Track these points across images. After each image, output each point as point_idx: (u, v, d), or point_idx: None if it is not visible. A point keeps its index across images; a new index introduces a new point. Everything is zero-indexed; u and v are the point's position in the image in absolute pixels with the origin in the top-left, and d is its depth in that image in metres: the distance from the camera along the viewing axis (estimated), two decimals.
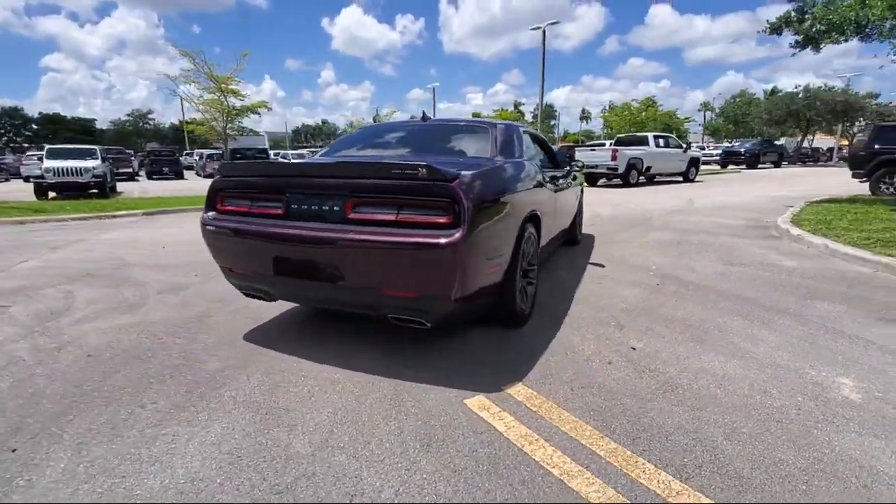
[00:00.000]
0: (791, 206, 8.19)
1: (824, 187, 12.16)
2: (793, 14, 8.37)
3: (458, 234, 1.99)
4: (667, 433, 1.79)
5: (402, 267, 2.11)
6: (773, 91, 41.68)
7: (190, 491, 1.49)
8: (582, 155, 15.87)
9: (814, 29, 8.02)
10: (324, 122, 61.47)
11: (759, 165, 25.90)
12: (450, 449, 1.70)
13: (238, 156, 16.69)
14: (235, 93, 11.18)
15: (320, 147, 42.97)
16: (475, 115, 73.67)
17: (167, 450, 1.70)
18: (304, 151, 31.42)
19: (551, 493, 1.48)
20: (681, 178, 16.99)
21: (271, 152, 26.13)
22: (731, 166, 26.41)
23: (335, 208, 2.25)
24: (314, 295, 2.50)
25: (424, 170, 2.02)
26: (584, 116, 73.66)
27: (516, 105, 66.38)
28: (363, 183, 2.20)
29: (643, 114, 21.65)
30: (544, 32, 20.85)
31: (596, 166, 15.10)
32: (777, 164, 27.15)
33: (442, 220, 2.05)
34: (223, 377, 2.27)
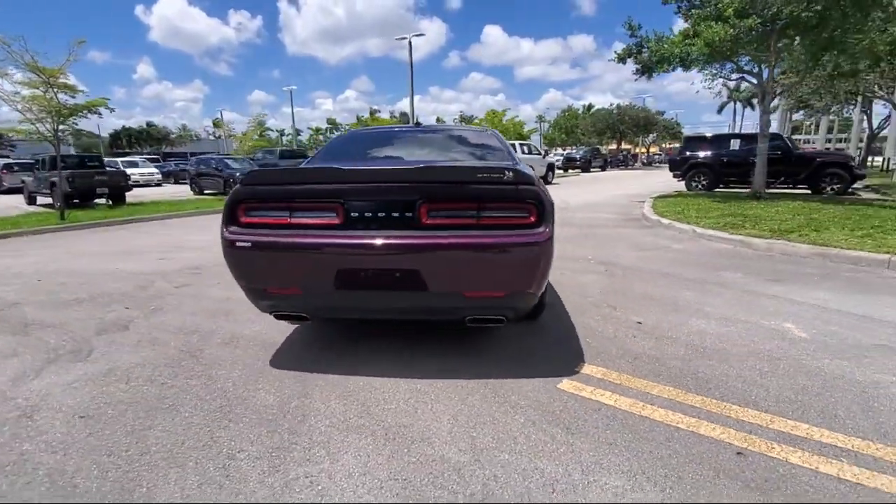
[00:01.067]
0: (642, 202, 10.10)
1: (652, 185, 15.19)
2: (634, 48, 10.33)
3: (546, 231, 2.15)
4: (721, 380, 2.22)
5: (493, 267, 2.16)
6: (590, 107, 50.45)
7: None
8: None
9: (650, 60, 10.04)
10: (150, 124, 52.56)
11: (591, 169, 30.83)
12: (589, 427, 1.85)
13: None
14: (70, 88, 9.04)
15: (150, 154, 36.72)
16: (331, 121, 71.46)
17: (316, 494, 1.50)
18: (137, 159, 26.50)
19: (690, 442, 1.75)
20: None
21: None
22: (569, 170, 30.89)
23: (408, 214, 2.18)
24: (385, 305, 2.36)
25: (511, 173, 2.13)
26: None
27: (372, 113, 66.91)
28: (441, 187, 2.19)
29: (505, 121, 24.12)
30: (410, 43, 21.57)
31: None
32: (603, 168, 32.68)
33: (528, 219, 2.17)
34: (295, 409, 2.02)
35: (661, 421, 1.89)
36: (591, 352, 2.57)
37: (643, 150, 44.68)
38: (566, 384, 2.20)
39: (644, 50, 10.22)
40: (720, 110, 62.68)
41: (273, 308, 2.38)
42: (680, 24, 10.42)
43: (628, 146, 48.13)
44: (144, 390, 2.19)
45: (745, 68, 10.04)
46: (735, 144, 12.69)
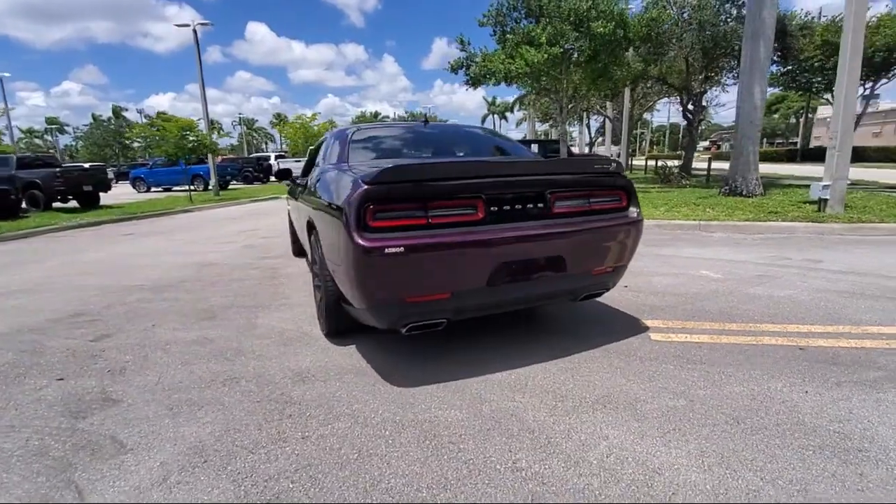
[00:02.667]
0: None
1: None
2: (464, 61, 11.60)
3: (639, 212, 2.57)
4: (720, 310, 3.06)
5: (611, 246, 2.46)
6: (377, 114, 53.04)
7: None
8: (286, 166, 15.79)
9: (478, 73, 11.46)
10: None
11: None
12: (713, 360, 2.37)
13: None
14: None
15: None
16: (52, 119, 55.65)
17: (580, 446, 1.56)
18: None
19: (756, 348, 2.45)
20: None
21: None
22: None
23: (540, 205, 2.29)
24: (529, 293, 2.35)
25: (614, 164, 2.47)
26: (215, 128, 68.75)
27: (115, 112, 54.79)
28: (567, 178, 2.37)
29: (316, 127, 23.06)
30: (195, 31, 18.59)
31: None
32: None
33: (622, 203, 2.55)
34: (426, 419, 1.91)
35: (740, 342, 2.56)
36: (640, 313, 3.11)
37: None
38: (658, 337, 2.68)
39: (472, 64, 11.60)
40: (483, 121, 74.52)
41: (406, 319, 2.13)
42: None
43: None
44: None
45: (546, 87, 12.49)
46: (534, 148, 15.55)
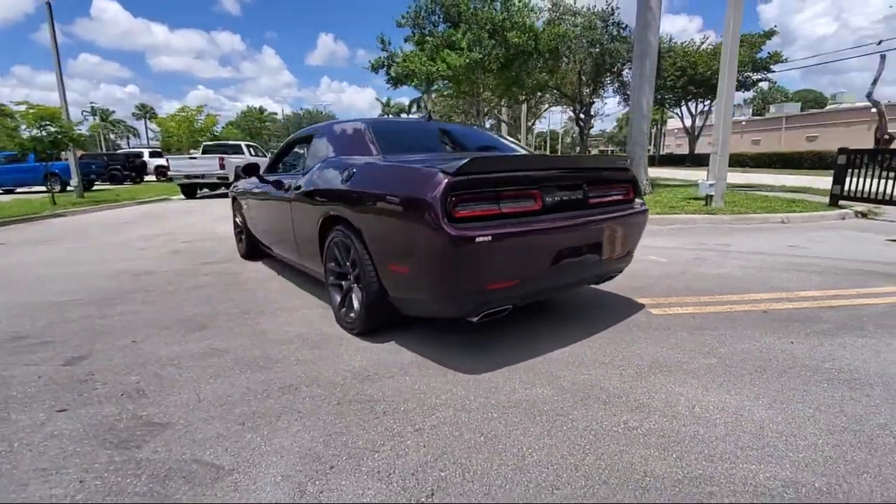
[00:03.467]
0: None
1: None
2: (384, 60, 11.52)
3: (643, 202, 2.93)
4: (687, 287, 3.62)
5: (630, 233, 2.77)
6: (262, 110, 50.00)
7: None
8: (181, 164, 14.10)
9: (399, 74, 11.47)
10: None
11: None
12: (711, 325, 2.81)
13: None
14: None
15: None
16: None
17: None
18: None
19: (731, 315, 2.99)
20: None
21: None
22: None
23: (579, 196, 2.51)
24: (573, 278, 2.52)
25: (628, 160, 2.80)
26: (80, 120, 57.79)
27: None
28: (599, 173, 2.62)
29: (201, 122, 20.57)
30: (49, 5, 15.55)
31: (201, 176, 13.88)
32: None
33: (630, 195, 2.89)
34: (520, 398, 2.07)
35: (716, 311, 3.07)
36: (635, 293, 3.52)
37: None
38: (656, 312, 3.09)
39: (393, 64, 11.59)
40: None
41: (484, 307, 2.18)
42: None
43: None
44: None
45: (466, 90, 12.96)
46: None
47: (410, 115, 59.40)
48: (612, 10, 12.83)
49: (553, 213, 2.35)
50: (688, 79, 28.82)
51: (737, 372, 2.20)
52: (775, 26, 18.65)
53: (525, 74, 11.88)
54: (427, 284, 2.17)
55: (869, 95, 22.84)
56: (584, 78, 16.49)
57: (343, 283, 2.84)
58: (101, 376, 2.27)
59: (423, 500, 1.41)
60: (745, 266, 4.29)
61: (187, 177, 13.96)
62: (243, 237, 4.94)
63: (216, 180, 13.99)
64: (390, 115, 72.54)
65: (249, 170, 4.27)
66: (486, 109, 17.64)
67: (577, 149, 27.93)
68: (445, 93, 13.75)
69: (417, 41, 12.10)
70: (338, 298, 2.88)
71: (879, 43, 23.11)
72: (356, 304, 2.66)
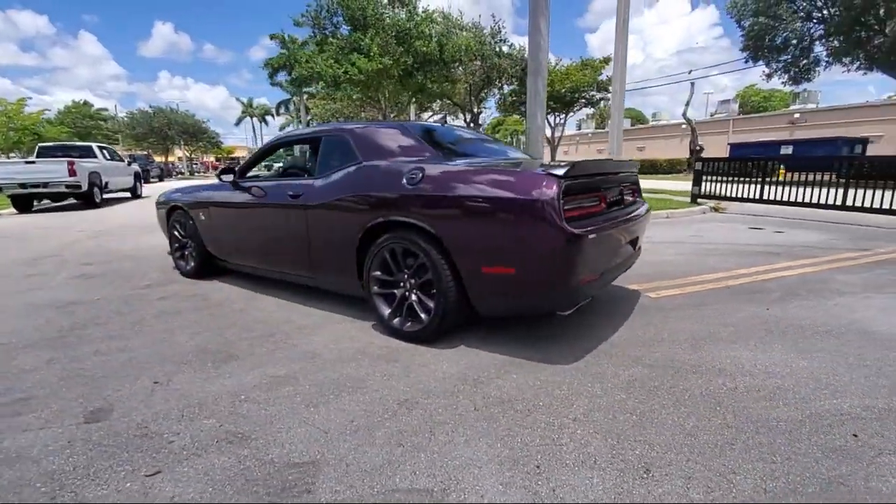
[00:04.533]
0: None
1: None
2: (286, 59, 10.77)
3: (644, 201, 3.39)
4: (673, 272, 4.24)
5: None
6: (85, 103, 42.18)
7: None
8: (13, 170, 11.22)
9: (306, 75, 10.85)
10: None
11: (151, 179, 26.61)
12: (704, 302, 3.37)
13: None
14: None
15: None
16: None
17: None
18: None
19: (714, 291, 3.64)
20: (129, 195, 15.56)
21: None
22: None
23: (618, 196, 2.84)
24: (621, 270, 2.78)
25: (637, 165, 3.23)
26: None
27: None
28: (628, 176, 2.97)
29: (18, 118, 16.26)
30: None
31: (45, 184, 11.19)
32: (161, 178, 28.87)
33: (636, 195, 3.32)
34: (629, 378, 2.34)
35: (692, 292, 3.69)
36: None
37: (177, 158, 41.83)
38: (653, 296, 3.57)
39: (295, 64, 10.92)
40: (238, 123, 67.95)
41: (579, 300, 2.34)
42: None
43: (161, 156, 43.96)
44: None
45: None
46: None
47: (272, 117, 55.61)
48: (500, 28, 13.92)
49: (610, 211, 2.62)
50: (546, 94, 32.57)
51: (757, 335, 2.72)
52: (610, 55, 22.50)
53: (429, 82, 12.23)
54: (537, 282, 2.24)
55: (684, 114, 28.38)
56: (472, 89, 17.52)
57: (395, 291, 2.73)
58: (159, 426, 1.85)
59: (643, 472, 1.52)
60: (678, 253, 5.15)
61: (23, 185, 11.16)
62: (190, 253, 4.27)
63: (64, 189, 11.46)
64: (250, 117, 66.99)
65: (229, 172, 3.73)
66: (392, 115, 17.59)
67: None
68: (341, 97, 13.34)
69: (318, 42, 11.58)
70: (386, 309, 2.76)
71: (690, 72, 28.85)
72: (421, 313, 2.59)
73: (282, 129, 74.85)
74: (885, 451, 1.64)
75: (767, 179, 9.09)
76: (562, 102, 34.65)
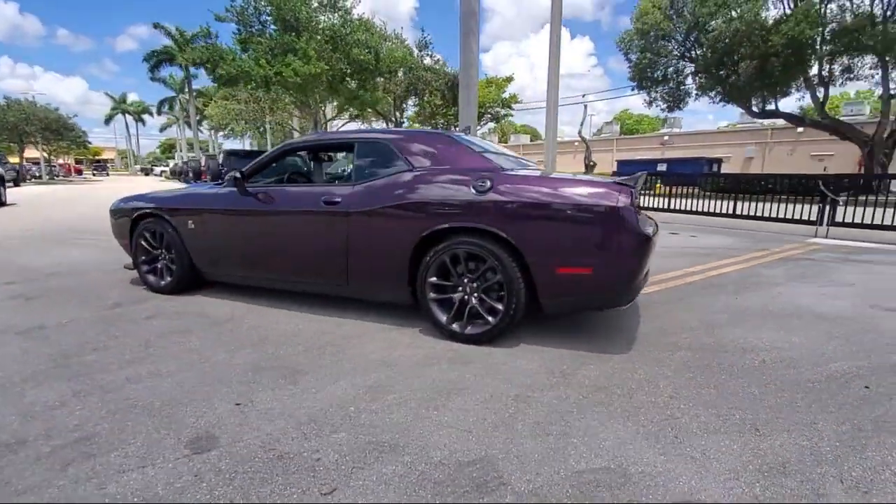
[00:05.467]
0: None
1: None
2: (209, 55, 9.90)
3: None
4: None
5: None
6: None
7: None
8: None
9: (234, 74, 10.06)
10: None
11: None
12: (691, 293, 3.93)
13: None
14: None
15: None
16: None
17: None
18: None
19: (684, 286, 4.26)
20: None
21: None
22: None
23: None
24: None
25: None
26: None
27: None
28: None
29: None
30: None
31: None
32: (17, 183, 24.20)
33: None
34: (684, 361, 2.74)
35: (667, 288, 4.27)
36: None
37: (26, 160, 34.97)
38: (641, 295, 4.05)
39: (220, 61, 10.10)
40: (108, 121, 59.58)
41: (635, 296, 2.65)
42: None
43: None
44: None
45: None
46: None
47: (151, 116, 49.78)
48: (427, 43, 14.31)
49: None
50: (477, 107, 33.95)
51: (747, 320, 3.28)
52: (512, 73, 24.32)
53: (363, 90, 12.10)
54: (612, 280, 2.49)
55: (579, 132, 31.46)
56: (396, 100, 17.66)
57: (453, 296, 2.79)
58: (287, 447, 1.73)
59: (754, 431, 1.84)
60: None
61: None
62: (166, 266, 3.82)
63: None
64: (123, 114, 59.54)
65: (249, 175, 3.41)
66: (324, 121, 16.72)
67: None
68: (250, 98, 12.56)
69: (241, 40, 10.81)
70: (443, 314, 2.81)
71: (584, 96, 32.10)
72: (487, 315, 2.69)
73: (163, 129, 67.03)
74: (894, 395, 2.16)
75: (649, 192, 10.69)
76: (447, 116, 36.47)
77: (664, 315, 3.37)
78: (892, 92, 15.98)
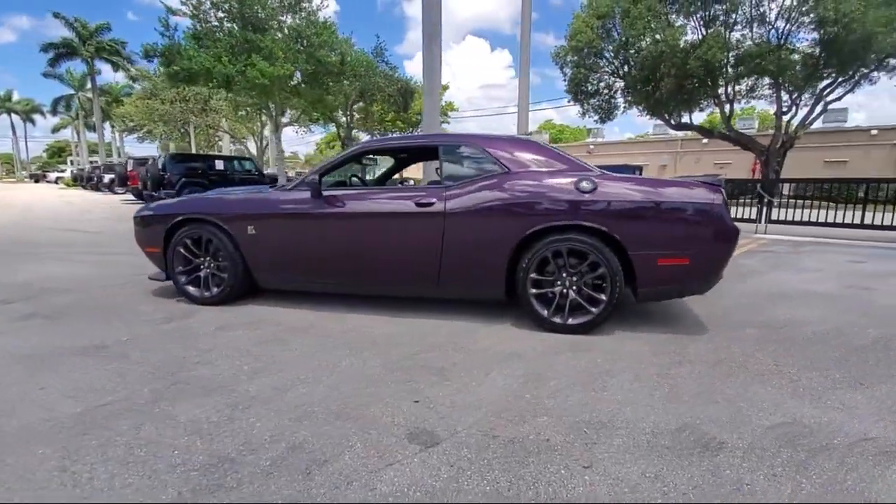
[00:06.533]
0: None
1: (102, 205, 12.96)
2: (164, 50, 9.13)
3: None
4: None
5: None
6: None
7: None
8: None
9: (194, 71, 9.35)
10: None
11: None
12: None
13: None
14: None
15: None
16: None
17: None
18: None
19: None
20: None
21: None
22: None
23: None
24: None
25: None
26: None
27: None
28: None
29: None
30: None
31: None
32: None
33: None
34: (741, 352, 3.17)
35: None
36: None
37: None
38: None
39: (177, 56, 9.37)
40: None
41: (716, 282, 3.00)
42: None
43: None
44: None
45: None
46: (220, 164, 13.71)
47: (43, 116, 44.16)
48: (382, 50, 14.28)
49: None
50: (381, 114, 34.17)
51: (772, 301, 3.82)
52: (448, 82, 25.02)
53: (329, 94, 11.79)
54: (705, 269, 2.82)
55: None
56: (349, 104, 17.39)
57: (552, 290, 2.97)
58: (521, 430, 1.81)
59: (857, 384, 2.23)
60: None
61: None
62: (210, 275, 3.58)
63: None
64: (8, 113, 52.83)
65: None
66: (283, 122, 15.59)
67: None
68: (252, 101, 11.77)
69: (195, 35, 10.07)
70: (543, 308, 2.97)
71: (517, 105, 33.61)
72: (590, 306, 2.91)
73: (56, 130, 59.13)
74: None
75: None
76: (408, 123, 36.66)
77: (702, 301, 3.80)
78: (783, 109, 18.82)
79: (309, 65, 10.98)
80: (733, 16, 17.09)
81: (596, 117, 23.27)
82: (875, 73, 17.21)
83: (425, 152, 3.88)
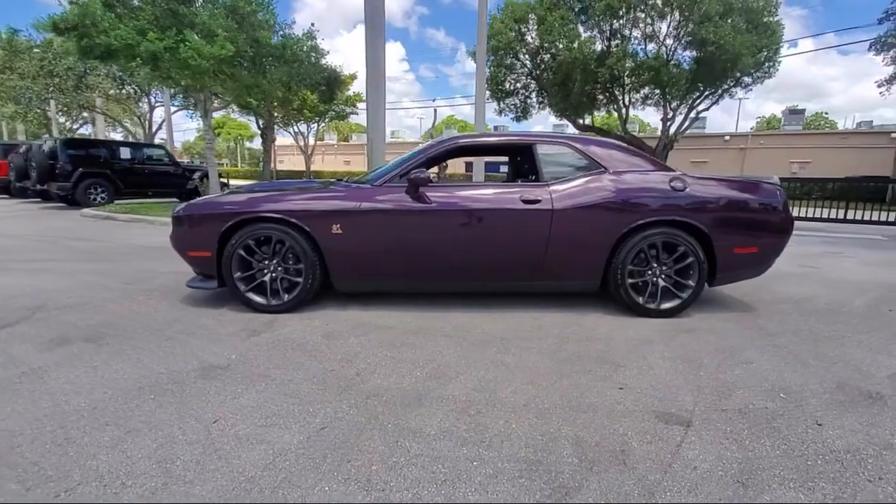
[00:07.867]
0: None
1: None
2: (77, 20, 7.59)
3: None
4: None
5: None
6: None
7: None
8: None
9: (112, 47, 7.90)
10: None
11: None
12: None
13: None
14: None
15: None
16: None
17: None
18: None
19: None
20: None
21: None
22: None
23: None
24: None
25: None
26: None
27: None
28: None
29: None
30: None
31: None
32: None
33: None
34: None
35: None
36: None
37: None
38: None
39: (87, 28, 7.86)
40: None
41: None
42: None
43: None
44: None
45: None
46: (126, 153, 11.76)
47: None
48: (313, 35, 13.42)
49: None
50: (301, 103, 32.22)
51: (779, 281, 4.60)
52: (357, 72, 24.46)
53: (264, 80, 10.72)
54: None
55: (431, 134, 33.23)
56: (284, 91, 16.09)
57: (644, 279, 3.29)
58: (749, 402, 2.06)
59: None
60: None
61: None
62: (277, 280, 3.26)
63: None
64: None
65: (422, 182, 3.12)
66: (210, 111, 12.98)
67: (261, 159, 25.83)
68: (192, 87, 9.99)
69: (107, 2, 8.49)
70: (638, 296, 3.28)
71: (434, 100, 34.06)
72: (679, 291, 3.28)
73: None
74: None
75: None
76: (315, 112, 34.96)
77: (732, 287, 4.36)
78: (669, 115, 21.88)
79: (249, 46, 9.93)
80: (633, 31, 19.32)
81: (512, 115, 24.56)
82: (734, 89, 20.90)
83: (520, 150, 3.94)
